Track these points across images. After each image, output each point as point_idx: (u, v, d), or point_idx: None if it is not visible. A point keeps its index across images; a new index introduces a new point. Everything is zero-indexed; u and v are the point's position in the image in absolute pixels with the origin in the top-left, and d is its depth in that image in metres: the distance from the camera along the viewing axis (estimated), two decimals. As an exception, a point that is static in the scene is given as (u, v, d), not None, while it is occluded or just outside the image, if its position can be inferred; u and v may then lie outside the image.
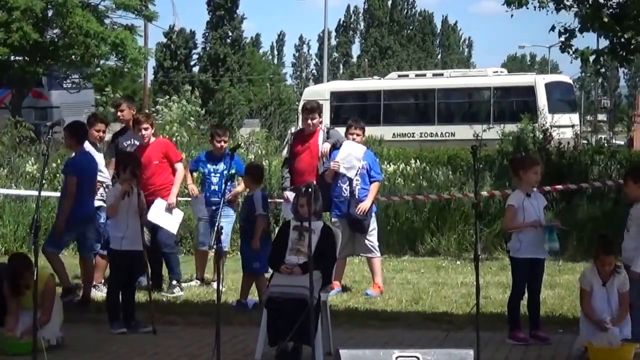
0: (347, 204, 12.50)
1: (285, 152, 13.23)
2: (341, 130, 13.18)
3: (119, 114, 13.43)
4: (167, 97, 29.29)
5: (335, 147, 12.71)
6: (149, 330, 10.44)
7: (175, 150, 13.45)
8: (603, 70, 18.74)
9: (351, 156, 12.51)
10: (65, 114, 31.55)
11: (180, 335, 10.40)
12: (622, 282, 9.28)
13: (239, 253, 12.77)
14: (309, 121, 12.81)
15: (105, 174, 12.75)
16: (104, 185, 12.63)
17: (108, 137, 14.26)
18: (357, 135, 12.74)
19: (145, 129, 12.81)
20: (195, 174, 13.62)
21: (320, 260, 8.78)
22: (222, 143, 13.10)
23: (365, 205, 12.49)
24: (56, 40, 38.74)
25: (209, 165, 13.07)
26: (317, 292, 8.86)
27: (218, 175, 12.90)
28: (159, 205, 12.64)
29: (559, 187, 16.72)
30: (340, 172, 12.43)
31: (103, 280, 12.66)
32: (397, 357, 6.81)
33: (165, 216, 12.75)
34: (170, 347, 9.83)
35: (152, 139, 12.97)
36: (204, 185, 13.19)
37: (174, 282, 12.83)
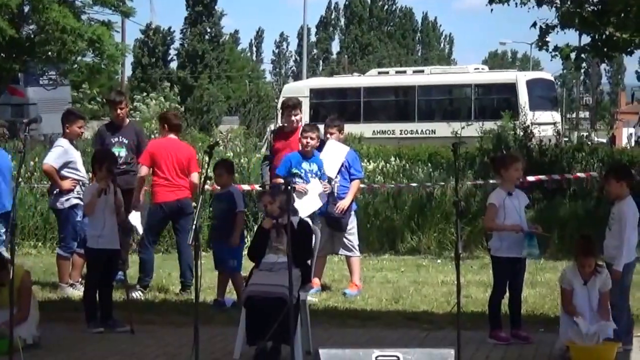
0: (326, 202, 12.43)
1: (264, 148, 13.11)
2: (321, 127, 13.09)
3: (119, 111, 13.17)
4: (145, 94, 29.20)
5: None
6: (127, 329, 10.36)
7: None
8: (585, 66, 18.73)
9: (330, 156, 12.44)
10: (42, 111, 31.38)
11: (158, 334, 10.33)
12: (603, 281, 9.24)
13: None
14: (292, 117, 12.72)
15: (81, 172, 12.63)
16: (81, 183, 12.51)
17: (87, 134, 14.17)
18: (332, 133, 12.67)
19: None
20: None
21: (297, 256, 8.71)
22: (310, 140, 12.54)
23: (344, 203, 12.41)
24: (32, 36, 38.52)
25: (303, 165, 12.28)
26: (297, 291, 8.79)
27: (314, 175, 12.28)
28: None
29: (542, 177, 16.72)
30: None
31: (80, 279, 12.54)
32: (377, 357, 6.75)
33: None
34: (148, 347, 9.77)
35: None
36: None
37: (138, 285, 12.63)
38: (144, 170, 12.53)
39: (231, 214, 11.64)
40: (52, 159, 12.62)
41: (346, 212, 12.47)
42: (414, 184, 17.26)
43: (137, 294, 12.29)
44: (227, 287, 11.94)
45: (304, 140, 12.33)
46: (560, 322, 9.41)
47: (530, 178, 14.90)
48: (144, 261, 12.71)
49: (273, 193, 9.45)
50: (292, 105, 12.78)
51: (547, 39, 18.06)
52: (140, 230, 12.85)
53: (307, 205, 11.79)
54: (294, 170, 11.96)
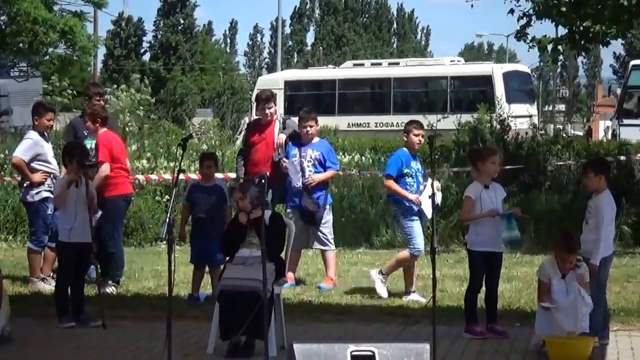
0: (300, 196, 12.35)
1: (239, 141, 13.01)
2: (297, 119, 13.00)
3: (97, 102, 12.98)
4: (115, 86, 28.94)
5: (292, 137, 12.54)
6: (99, 324, 10.26)
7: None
8: (562, 59, 18.73)
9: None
10: (13, 103, 31.16)
11: (130, 329, 10.26)
12: (581, 275, 9.21)
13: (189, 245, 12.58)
14: (267, 111, 12.63)
15: (52, 165, 12.49)
16: (52, 175, 12.37)
17: (59, 126, 14.03)
18: (311, 127, 12.56)
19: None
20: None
21: (271, 250, 8.62)
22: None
23: (317, 177, 12.30)
24: (3, 27, 38.16)
25: (413, 165, 11.82)
26: (271, 285, 8.72)
27: (420, 174, 11.91)
28: None
29: (519, 166, 16.71)
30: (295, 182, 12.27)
31: (52, 273, 12.40)
32: (352, 352, 6.68)
33: None
34: (120, 342, 9.69)
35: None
36: (405, 186, 11.72)
37: (110, 282, 12.41)
38: (108, 168, 12.26)
39: (220, 208, 11.57)
40: (21, 152, 12.48)
41: (320, 205, 12.39)
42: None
43: (110, 289, 12.15)
44: (202, 282, 11.84)
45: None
46: (536, 316, 9.37)
47: (507, 167, 14.87)
48: (114, 255, 12.50)
49: (243, 189, 9.34)
50: (265, 99, 12.69)
51: (527, 32, 18.06)
52: None
53: (429, 204, 11.43)
54: (405, 170, 11.70)
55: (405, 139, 11.80)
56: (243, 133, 13.50)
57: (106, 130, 12.46)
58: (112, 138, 12.48)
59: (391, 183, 11.69)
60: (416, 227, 11.72)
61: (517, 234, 9.99)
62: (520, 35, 17.86)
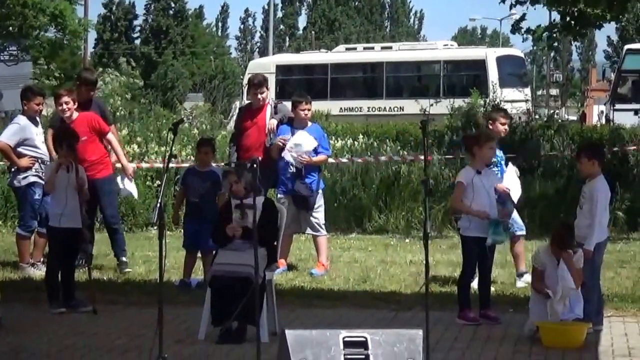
0: (293, 181, 12.28)
1: (229, 126, 12.94)
2: (288, 104, 12.92)
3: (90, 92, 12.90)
4: (102, 69, 28.78)
5: (282, 122, 12.47)
6: (89, 309, 10.22)
7: (101, 121, 12.66)
8: (556, 44, 18.65)
9: (301, 148, 12.27)
10: (3, 87, 31.00)
11: (121, 315, 10.23)
12: (576, 260, 9.15)
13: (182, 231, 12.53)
14: (258, 96, 12.56)
15: (41, 150, 12.40)
16: (39, 160, 12.28)
17: (49, 111, 13.93)
18: (308, 110, 12.49)
19: (67, 103, 12.21)
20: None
21: (262, 236, 8.56)
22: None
23: (308, 158, 12.23)
24: (-8, 11, 37.93)
25: (497, 152, 11.36)
26: (263, 270, 8.67)
27: (503, 162, 11.61)
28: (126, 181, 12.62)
29: (510, 155, 16.64)
30: (286, 156, 12.18)
31: (42, 259, 12.33)
32: (344, 338, 6.62)
33: (131, 185, 12.79)
34: (111, 327, 9.65)
35: (75, 114, 12.30)
36: None
37: (124, 259, 12.64)
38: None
39: (214, 193, 11.50)
40: (6, 137, 12.42)
41: (312, 190, 12.32)
42: (383, 157, 17.16)
43: (127, 269, 12.43)
44: (194, 267, 11.78)
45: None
46: (530, 302, 9.33)
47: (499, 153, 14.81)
48: (120, 232, 12.76)
49: (239, 172, 9.29)
50: (257, 84, 12.62)
51: (521, 25, 18.01)
52: (136, 195, 13.04)
53: (514, 190, 11.27)
54: (493, 160, 11.49)
55: (491, 127, 11.61)
56: (234, 118, 13.41)
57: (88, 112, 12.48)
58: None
59: None
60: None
61: (501, 240, 9.96)
62: (515, 28, 17.79)
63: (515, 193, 11.09)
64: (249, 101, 12.96)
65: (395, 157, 17.54)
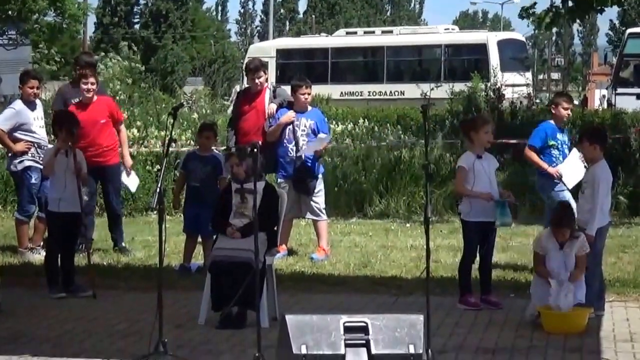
0: (293, 165, 12.24)
1: (229, 110, 12.90)
2: (287, 88, 12.87)
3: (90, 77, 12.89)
4: (103, 54, 28.73)
5: (282, 106, 12.43)
6: (89, 294, 10.21)
7: (119, 109, 13.12)
8: (556, 29, 18.65)
9: (322, 141, 12.35)
10: (2, 71, 30.92)
11: (121, 299, 10.21)
12: (581, 245, 9.11)
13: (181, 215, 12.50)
14: (256, 80, 12.53)
15: (38, 134, 12.36)
16: (36, 145, 12.27)
17: (48, 95, 13.89)
18: (308, 94, 12.46)
19: (92, 84, 12.34)
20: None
21: (263, 222, 8.53)
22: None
23: (307, 152, 12.23)
24: (-9, -6, 37.81)
25: (558, 136, 11.37)
26: (263, 255, 8.64)
27: (566, 146, 11.46)
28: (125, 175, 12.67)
29: (513, 141, 16.60)
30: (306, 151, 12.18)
31: (42, 244, 12.31)
32: (344, 323, 6.59)
33: (130, 179, 12.85)
34: (111, 312, 9.63)
35: (95, 97, 12.45)
36: (551, 158, 11.30)
37: (124, 244, 12.75)
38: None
39: (215, 178, 11.46)
40: (0, 122, 12.37)
41: (312, 175, 12.28)
42: (383, 144, 17.11)
43: (131, 254, 12.49)
44: (194, 252, 11.76)
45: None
46: (531, 287, 9.30)
47: (500, 141, 14.77)
48: (121, 219, 12.94)
49: (241, 155, 9.26)
50: (254, 68, 12.61)
51: (529, 12, 17.94)
52: (134, 189, 13.17)
53: (573, 174, 11.23)
54: (551, 142, 11.34)
55: (553, 111, 11.54)
56: (233, 102, 13.38)
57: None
58: None
59: (532, 154, 11.31)
60: (562, 198, 11.31)
61: (509, 221, 9.90)
62: (524, 15, 17.71)
63: (575, 178, 11.03)
64: (248, 86, 12.92)
65: (396, 143, 17.47)
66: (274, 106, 12.39)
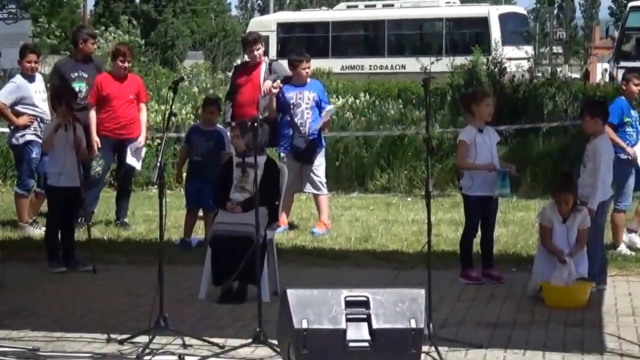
0: (292, 136, 12.19)
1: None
2: (284, 63, 12.84)
3: (90, 46, 12.91)
4: (104, 28, 28.62)
5: (283, 81, 12.38)
6: (89, 269, 10.18)
7: (145, 90, 13.20)
8: (558, 3, 18.56)
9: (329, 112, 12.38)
10: (2, 45, 30.81)
11: (121, 274, 10.18)
12: (582, 219, 9.09)
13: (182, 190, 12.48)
14: (254, 52, 12.52)
15: (40, 108, 12.33)
16: (38, 119, 12.22)
17: (48, 69, 13.85)
18: (309, 68, 12.43)
19: (129, 62, 12.65)
20: None
21: (264, 196, 8.49)
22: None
23: (315, 126, 12.19)
24: (-10, -32, 37.63)
25: (633, 113, 11.35)
26: (263, 229, 8.61)
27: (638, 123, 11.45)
28: (133, 147, 12.50)
29: (515, 127, 16.61)
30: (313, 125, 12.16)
31: (34, 218, 12.38)
32: (345, 297, 6.57)
33: (135, 156, 12.69)
34: (111, 287, 9.62)
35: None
36: (625, 136, 11.23)
37: (126, 219, 12.76)
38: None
39: (218, 153, 11.40)
40: (2, 96, 12.37)
41: (315, 144, 12.25)
42: (384, 132, 17.06)
43: (132, 228, 12.51)
44: (194, 226, 11.73)
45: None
46: (534, 261, 9.27)
47: (501, 127, 14.73)
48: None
49: (242, 128, 9.22)
50: (252, 41, 12.61)
51: None
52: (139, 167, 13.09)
53: None
54: (626, 119, 11.26)
55: (624, 88, 11.47)
56: (232, 75, 13.32)
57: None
58: None
59: (610, 132, 10.92)
60: (629, 182, 11.32)
61: (507, 192, 9.88)
62: None
63: None
64: (246, 59, 12.90)
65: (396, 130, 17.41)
66: (269, 83, 12.34)
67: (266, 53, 13.83)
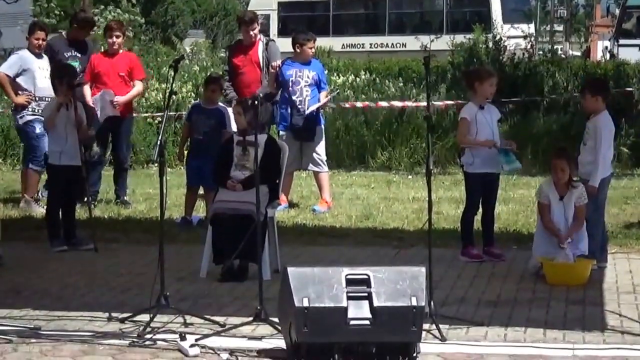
0: (290, 115, 12.18)
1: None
2: (286, 41, 12.84)
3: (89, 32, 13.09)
4: (103, 6, 28.55)
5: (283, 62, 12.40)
6: (91, 247, 10.17)
7: (141, 68, 13.16)
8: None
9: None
10: (2, 25, 30.75)
11: (122, 252, 10.18)
12: (579, 195, 9.08)
13: (184, 167, 12.47)
14: (250, 32, 12.50)
15: (39, 84, 12.34)
16: (37, 98, 12.27)
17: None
18: (313, 47, 12.47)
19: (117, 37, 12.64)
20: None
21: (265, 175, 8.48)
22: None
23: (313, 106, 12.18)
24: (-12, -54, 37.43)
25: None
26: (264, 207, 8.61)
27: None
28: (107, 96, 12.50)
29: (515, 99, 16.57)
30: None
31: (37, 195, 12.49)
32: (346, 275, 6.56)
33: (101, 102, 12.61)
34: (112, 265, 9.61)
35: (121, 50, 12.80)
36: None
37: (126, 197, 12.79)
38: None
39: (219, 131, 11.37)
40: (5, 67, 12.47)
41: (314, 122, 12.24)
42: (384, 103, 17.03)
43: (131, 207, 12.58)
44: (195, 204, 11.73)
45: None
46: (534, 238, 9.27)
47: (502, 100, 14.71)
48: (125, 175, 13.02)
49: (244, 106, 9.20)
50: (248, 20, 12.59)
51: None
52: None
53: None
54: None
55: None
56: (227, 55, 13.28)
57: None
58: None
59: None
60: None
61: (517, 165, 9.86)
62: None
63: None
64: (240, 38, 12.88)
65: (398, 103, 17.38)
66: (278, 62, 12.35)
67: (266, 32, 13.85)
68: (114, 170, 13.06)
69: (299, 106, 12.18)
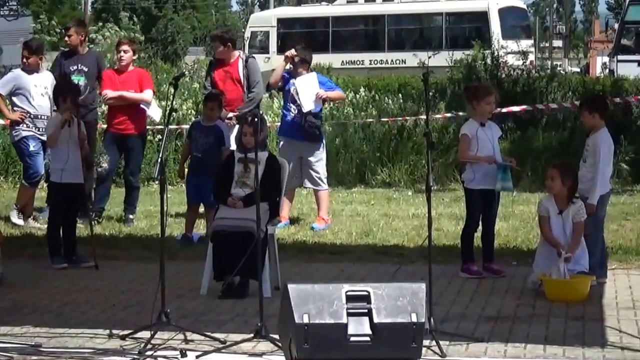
0: (295, 125, 12.24)
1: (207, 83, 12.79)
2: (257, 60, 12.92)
3: (66, 38, 13.02)
4: (101, 24, 28.54)
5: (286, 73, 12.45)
6: (91, 265, 10.18)
7: (149, 81, 13.11)
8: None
9: (313, 88, 12.26)
10: (2, 42, 30.81)
11: (123, 270, 10.18)
12: (577, 211, 9.09)
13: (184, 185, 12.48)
14: (235, 51, 12.47)
15: (34, 102, 12.39)
16: (31, 115, 12.35)
17: (47, 65, 13.89)
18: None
19: (126, 52, 12.69)
20: None
21: (266, 192, 8.50)
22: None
23: (322, 93, 12.25)
24: (-9, -35, 37.65)
25: None
26: (264, 224, 8.62)
27: None
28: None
29: (515, 108, 16.57)
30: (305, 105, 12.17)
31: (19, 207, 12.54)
32: (346, 292, 6.59)
33: (152, 109, 12.86)
34: (113, 282, 9.61)
35: (131, 67, 12.80)
36: None
37: (131, 216, 12.75)
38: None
39: (218, 149, 11.41)
40: None
41: (317, 115, 12.32)
42: (385, 119, 17.06)
43: (134, 223, 12.57)
44: (195, 221, 11.74)
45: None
46: (536, 255, 9.27)
47: (503, 110, 14.71)
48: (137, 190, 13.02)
49: (253, 124, 9.16)
50: (222, 41, 12.44)
51: None
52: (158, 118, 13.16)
53: None
54: None
55: None
56: (207, 70, 13.26)
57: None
58: None
59: None
60: None
61: (510, 186, 9.87)
62: None
63: None
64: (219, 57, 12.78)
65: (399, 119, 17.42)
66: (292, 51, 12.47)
67: (266, 49, 13.89)
68: (125, 188, 13.05)
69: (302, 107, 12.21)
